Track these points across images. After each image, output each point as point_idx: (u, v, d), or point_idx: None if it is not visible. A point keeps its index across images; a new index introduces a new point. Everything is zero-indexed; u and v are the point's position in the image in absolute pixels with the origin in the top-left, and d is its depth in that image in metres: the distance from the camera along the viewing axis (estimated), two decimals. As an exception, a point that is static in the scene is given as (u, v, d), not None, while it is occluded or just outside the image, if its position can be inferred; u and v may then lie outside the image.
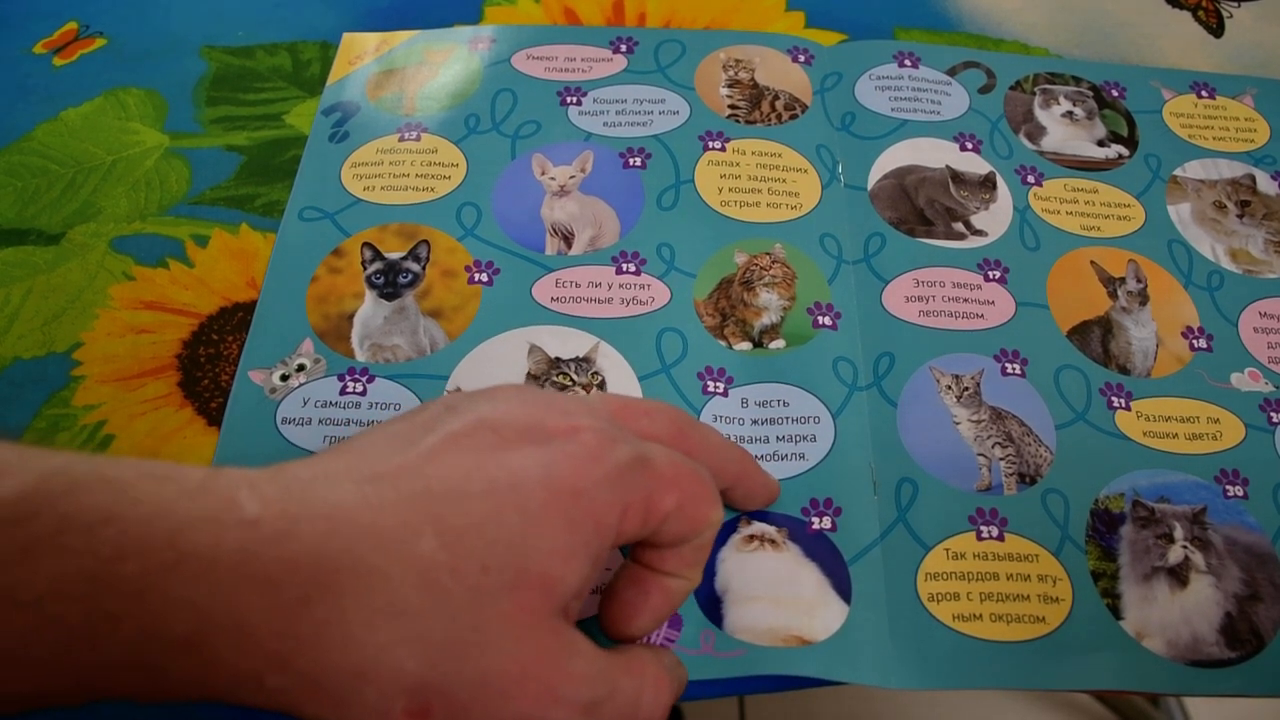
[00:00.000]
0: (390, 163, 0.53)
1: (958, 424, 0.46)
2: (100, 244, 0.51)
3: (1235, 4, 0.65)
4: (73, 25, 0.61)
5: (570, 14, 0.61)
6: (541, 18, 0.61)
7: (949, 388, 0.46)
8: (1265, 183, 0.55)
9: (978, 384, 0.47)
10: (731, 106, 0.55)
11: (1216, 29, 0.63)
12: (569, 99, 0.56)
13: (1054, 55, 0.61)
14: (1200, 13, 0.64)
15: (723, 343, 0.47)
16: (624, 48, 0.58)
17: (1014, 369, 0.47)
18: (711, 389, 0.46)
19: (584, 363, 0.46)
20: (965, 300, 0.49)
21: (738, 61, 0.57)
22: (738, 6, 0.62)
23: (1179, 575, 0.43)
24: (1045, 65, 0.60)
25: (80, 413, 0.46)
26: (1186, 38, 0.63)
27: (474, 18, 0.61)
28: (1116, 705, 1.13)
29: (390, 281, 0.49)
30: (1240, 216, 0.54)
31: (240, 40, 0.60)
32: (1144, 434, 0.46)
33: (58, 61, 0.59)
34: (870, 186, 0.53)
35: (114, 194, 0.53)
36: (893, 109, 0.56)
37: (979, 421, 0.46)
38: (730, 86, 0.56)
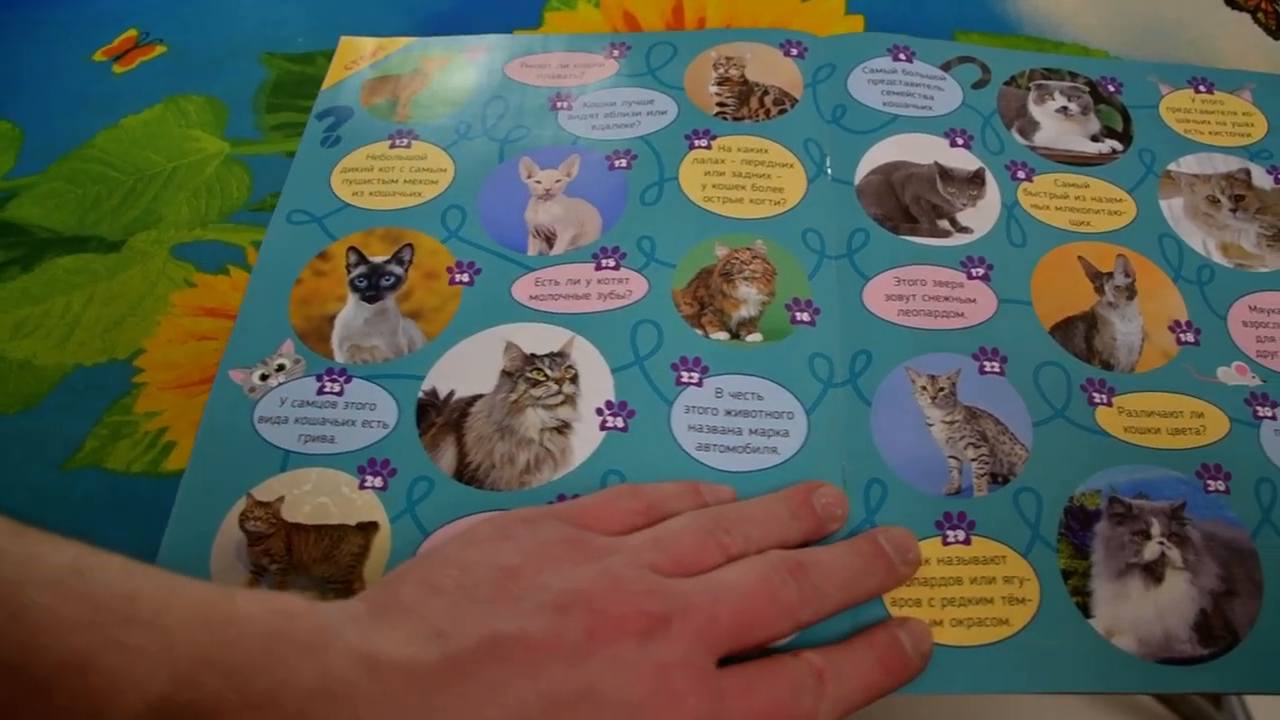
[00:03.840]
0: (380, 169, 0.54)
1: (930, 426, 0.45)
2: (161, 251, 0.52)
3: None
4: (132, 33, 0.62)
5: (630, 18, 0.62)
6: (601, 22, 0.62)
7: (924, 389, 0.46)
8: (1261, 177, 0.54)
9: (953, 385, 0.46)
10: (720, 104, 0.56)
11: (1275, 30, 0.62)
12: (559, 104, 0.56)
13: (1113, 58, 0.61)
14: (1259, 14, 0.63)
15: (699, 331, 0.47)
16: (617, 52, 0.59)
17: (993, 367, 0.47)
18: (685, 379, 0.46)
19: (558, 357, 0.47)
20: (946, 299, 0.49)
21: (728, 59, 0.58)
22: (798, 9, 0.62)
23: (1154, 572, 0.42)
24: (1043, 61, 0.59)
25: (141, 420, 0.47)
26: (1245, 39, 0.62)
27: (534, 23, 0.62)
28: (1177, 706, 1.11)
29: (373, 284, 0.49)
30: (1234, 211, 0.53)
31: (300, 47, 0.61)
32: (1125, 429, 0.46)
33: (118, 69, 0.60)
34: (857, 182, 0.53)
35: (175, 201, 0.54)
36: (884, 103, 0.56)
37: (952, 423, 0.45)
38: (720, 84, 0.56)
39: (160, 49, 0.61)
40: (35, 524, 0.41)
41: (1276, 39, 0.62)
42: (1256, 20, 0.63)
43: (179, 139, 0.57)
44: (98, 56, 0.61)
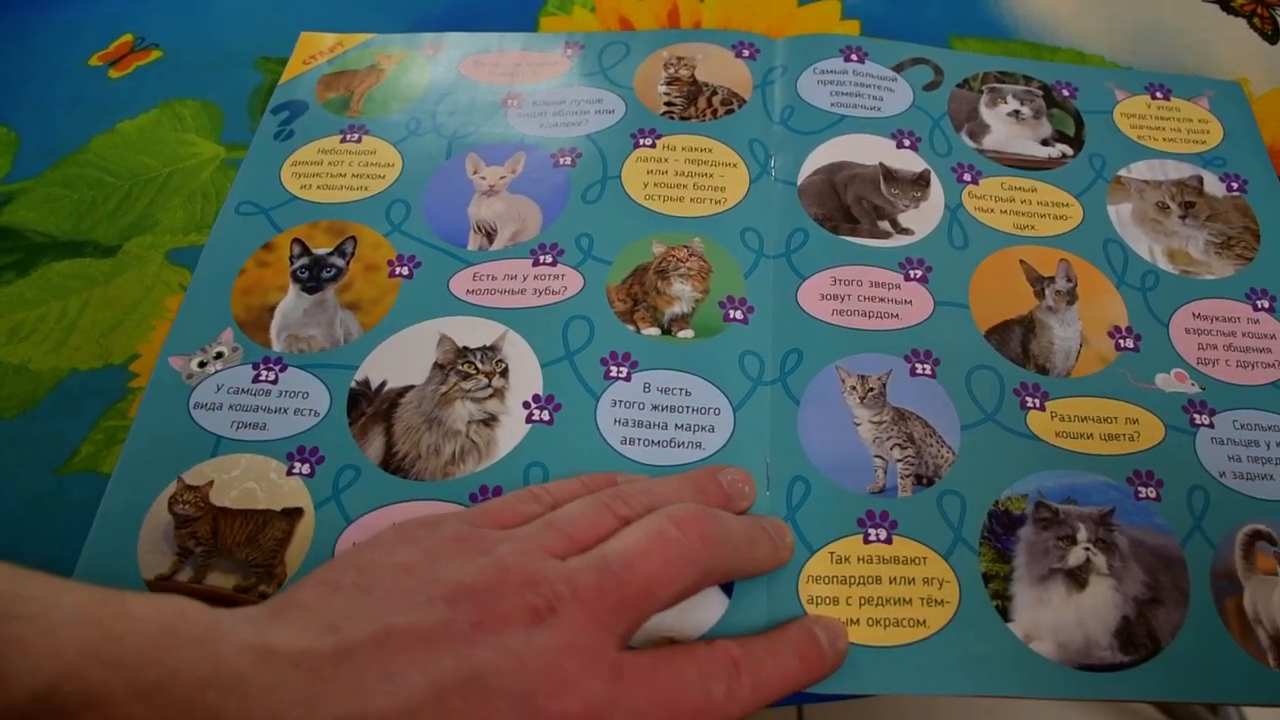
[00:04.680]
0: (330, 163, 0.54)
1: (858, 425, 0.45)
2: (157, 256, 0.53)
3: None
4: (128, 37, 0.63)
5: (625, 22, 0.62)
6: (596, 25, 0.62)
7: (853, 388, 0.46)
8: (1213, 184, 0.54)
9: (884, 385, 0.46)
10: (668, 104, 0.56)
11: (1271, 35, 0.62)
12: (510, 102, 0.57)
13: (1109, 63, 0.60)
14: (1255, 19, 0.63)
15: (631, 327, 0.48)
16: (570, 51, 0.59)
17: (924, 369, 0.47)
18: (614, 374, 0.46)
19: (490, 351, 0.47)
20: (882, 300, 0.49)
21: (679, 59, 0.58)
22: (793, 13, 0.62)
23: (1078, 577, 0.42)
24: (1000, 64, 0.59)
25: (137, 425, 0.47)
26: (1241, 44, 0.62)
27: (529, 27, 0.62)
28: (1175, 712, 1.09)
29: (314, 276, 0.50)
30: (1183, 218, 0.52)
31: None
32: (1056, 434, 0.45)
33: (113, 74, 0.61)
34: (800, 182, 0.53)
35: (170, 206, 0.54)
36: (833, 103, 0.56)
37: (880, 423, 0.45)
38: (669, 84, 0.57)
39: (156, 54, 0.62)
40: (32, 528, 0.43)
41: (1273, 44, 0.61)
42: (1252, 25, 0.62)
43: (174, 144, 0.57)
44: (94, 61, 0.61)
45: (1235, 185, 0.54)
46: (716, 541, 0.38)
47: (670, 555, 0.36)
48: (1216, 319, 0.49)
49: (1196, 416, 0.46)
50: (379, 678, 0.32)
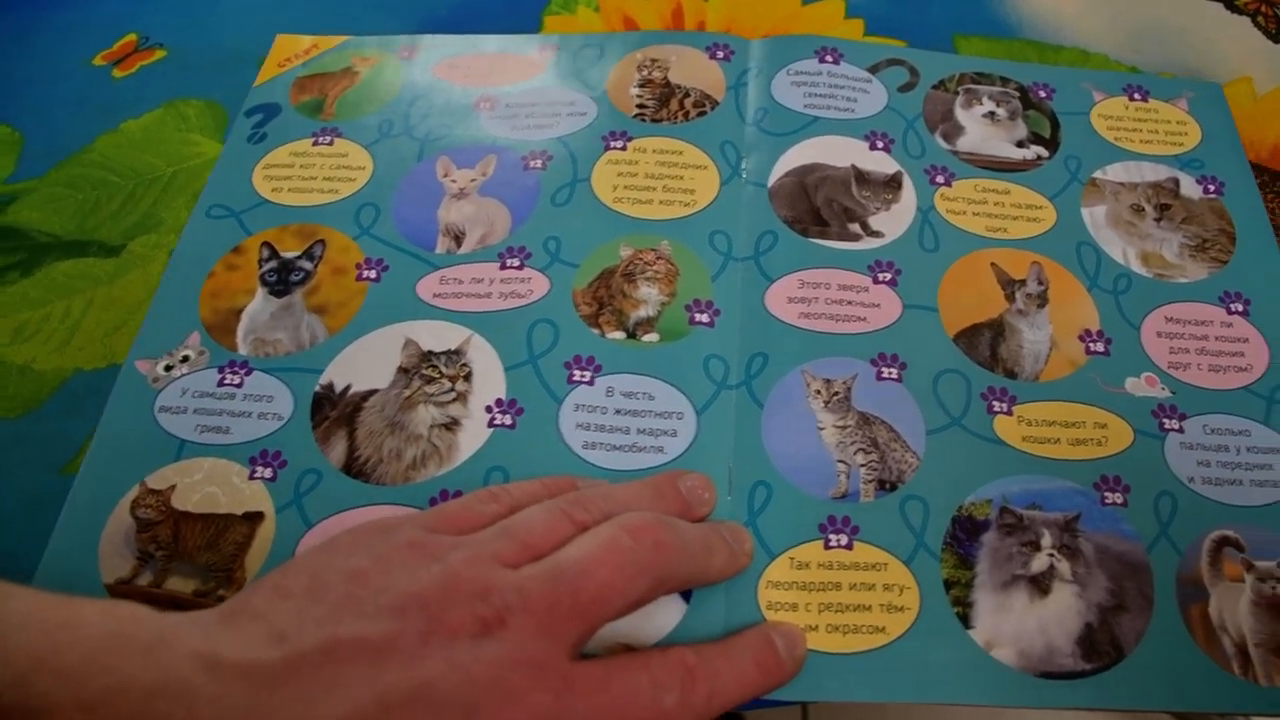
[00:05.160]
0: (301, 165, 0.54)
1: (822, 429, 0.45)
2: (161, 255, 0.53)
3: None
4: (132, 37, 0.63)
5: (629, 22, 0.62)
6: (600, 25, 0.62)
7: (818, 392, 0.46)
8: (1190, 186, 0.53)
9: (849, 389, 0.46)
10: (640, 106, 0.56)
11: (1275, 34, 0.62)
12: (483, 105, 0.56)
13: (1114, 61, 0.60)
14: (1260, 17, 0.62)
15: (596, 331, 0.47)
16: (545, 54, 0.59)
17: (890, 373, 0.46)
18: (578, 378, 0.46)
19: (454, 355, 0.47)
20: (849, 303, 0.48)
21: (653, 61, 0.58)
22: (798, 12, 0.62)
23: (1041, 584, 0.41)
24: (975, 65, 0.58)
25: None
26: (1245, 42, 0.62)
27: (533, 27, 0.62)
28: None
29: (282, 279, 0.50)
30: (1158, 220, 0.52)
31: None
32: (1023, 439, 0.45)
33: (117, 73, 0.61)
34: (771, 184, 0.52)
35: (174, 205, 0.55)
36: (805, 105, 0.56)
37: (844, 427, 0.45)
38: (642, 86, 0.56)
39: (160, 53, 0.62)
40: (36, 527, 0.42)
41: (1276, 42, 0.61)
42: (1256, 24, 0.62)
43: (179, 143, 0.57)
44: (98, 61, 0.62)
45: (1212, 187, 0.53)
46: (671, 550, 0.37)
47: (623, 564, 0.36)
48: (1189, 322, 0.49)
49: (1166, 421, 0.46)
50: (325, 689, 0.31)
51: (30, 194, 0.55)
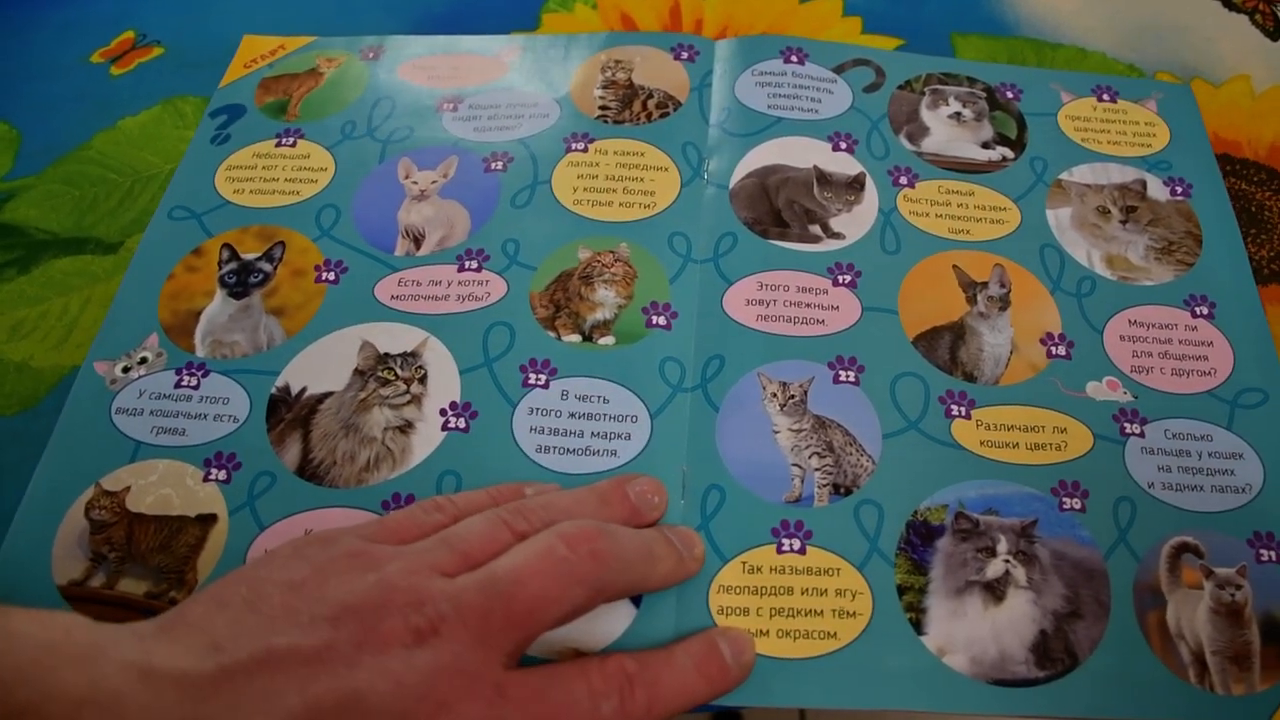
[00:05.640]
0: (264, 167, 0.54)
1: (777, 433, 0.45)
2: None
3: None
4: (130, 34, 0.63)
5: (627, 20, 0.62)
6: (598, 24, 0.62)
7: (774, 395, 0.45)
8: (1157, 188, 0.53)
9: (805, 392, 0.46)
10: (602, 107, 0.55)
11: (1272, 32, 0.61)
12: (446, 106, 0.56)
13: (1111, 59, 0.60)
14: (1257, 15, 0.62)
15: (552, 334, 0.47)
16: (510, 55, 0.58)
17: (847, 376, 0.46)
18: (533, 381, 0.46)
19: (410, 357, 0.47)
20: (808, 305, 0.48)
21: (617, 62, 0.57)
22: (795, 10, 0.62)
23: (995, 590, 0.41)
24: (942, 66, 0.58)
25: (136, 421, 0.47)
26: (1243, 40, 0.62)
27: (531, 25, 0.62)
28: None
29: (241, 281, 0.50)
30: (1124, 222, 0.52)
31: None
32: (981, 443, 0.45)
33: (115, 70, 0.61)
34: (732, 185, 0.52)
35: None
36: (769, 105, 0.55)
37: (799, 431, 0.45)
38: (605, 87, 0.56)
39: (158, 50, 0.62)
40: None
41: (1274, 40, 0.61)
42: (1254, 22, 0.62)
43: (176, 140, 0.57)
44: (95, 58, 0.62)
45: (1180, 189, 0.53)
46: (609, 558, 0.37)
47: (559, 573, 0.36)
48: (1153, 325, 0.48)
49: (1127, 425, 0.45)
50: (257, 698, 0.31)
51: (28, 191, 0.55)
